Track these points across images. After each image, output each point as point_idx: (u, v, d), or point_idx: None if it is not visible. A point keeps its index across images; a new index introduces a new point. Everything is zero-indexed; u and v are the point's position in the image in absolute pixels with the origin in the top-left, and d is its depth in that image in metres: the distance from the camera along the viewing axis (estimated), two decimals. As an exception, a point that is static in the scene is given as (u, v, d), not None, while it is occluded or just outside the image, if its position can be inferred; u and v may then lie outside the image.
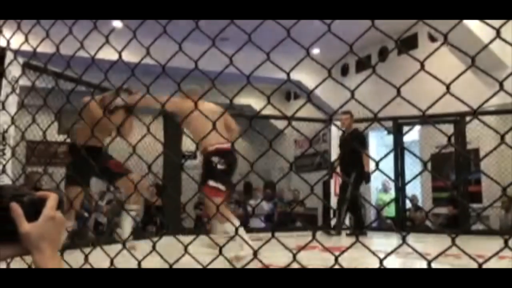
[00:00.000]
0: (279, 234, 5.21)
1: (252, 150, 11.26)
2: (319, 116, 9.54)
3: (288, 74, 1.05)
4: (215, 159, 3.21)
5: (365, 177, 5.78)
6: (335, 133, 7.15)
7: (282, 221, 9.01)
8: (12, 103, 3.73)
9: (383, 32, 0.96)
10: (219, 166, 3.21)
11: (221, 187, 3.23)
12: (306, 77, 9.73)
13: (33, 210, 0.82)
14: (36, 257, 0.81)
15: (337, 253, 1.08)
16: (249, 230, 6.33)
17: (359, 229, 5.77)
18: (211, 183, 3.22)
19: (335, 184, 7.07)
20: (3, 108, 1.95)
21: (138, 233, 4.86)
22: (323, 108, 9.78)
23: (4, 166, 1.30)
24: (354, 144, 5.80)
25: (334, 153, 7.13)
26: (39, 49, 1.41)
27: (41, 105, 1.45)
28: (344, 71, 10.90)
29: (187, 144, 7.19)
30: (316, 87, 1.13)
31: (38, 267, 0.81)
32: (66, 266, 0.88)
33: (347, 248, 1.12)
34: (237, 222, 3.08)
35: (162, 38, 1.30)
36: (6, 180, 3.74)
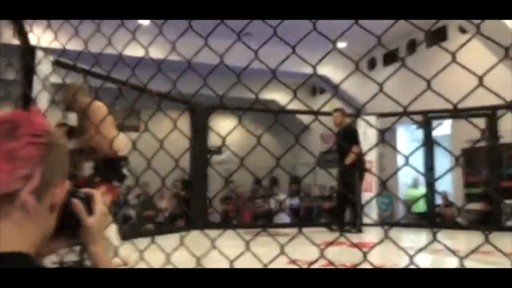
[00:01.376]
0: (305, 229, 5.20)
1: (277, 145, 11.25)
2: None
3: (314, 68, 1.03)
4: (123, 164, 3.44)
5: (346, 170, 5.45)
6: (362, 128, 7.06)
7: (308, 216, 8.98)
8: (43, 100, 3.83)
9: (413, 24, 0.94)
10: (124, 172, 3.48)
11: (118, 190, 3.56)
12: (332, 71, 9.62)
13: (88, 205, 0.88)
14: (93, 249, 0.87)
15: (365, 249, 1.06)
16: (274, 225, 6.31)
17: (355, 225, 5.48)
18: (116, 184, 3.45)
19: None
20: (35, 105, 1.99)
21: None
22: (351, 102, 9.67)
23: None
24: (346, 141, 5.53)
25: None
26: (67, 47, 1.44)
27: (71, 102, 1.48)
28: (371, 64, 10.73)
29: (213, 139, 7.22)
30: (346, 78, 1.11)
31: (95, 257, 0.87)
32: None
33: (375, 244, 1.10)
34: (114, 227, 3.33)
35: (186, 34, 1.30)
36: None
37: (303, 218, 8.86)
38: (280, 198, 8.94)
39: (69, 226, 0.85)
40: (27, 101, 3.36)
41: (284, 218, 8.66)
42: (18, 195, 0.68)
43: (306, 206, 9.30)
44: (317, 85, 12.19)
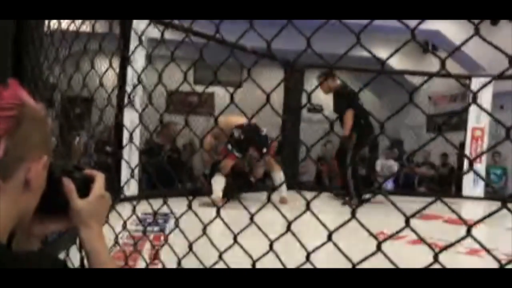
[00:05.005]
0: (403, 198, 4.93)
1: (380, 106, 10.73)
2: (460, 72, 8.63)
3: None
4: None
5: (344, 144, 4.83)
6: (475, 91, 6.41)
7: (407, 184, 8.54)
8: (140, 56, 3.97)
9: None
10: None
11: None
12: (446, 26, 8.74)
13: (83, 187, 0.83)
14: (84, 234, 0.82)
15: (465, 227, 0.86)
16: (369, 191, 6.02)
17: (357, 197, 4.81)
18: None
19: (470, 147, 6.45)
20: (130, 64, 2.04)
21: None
22: (465, 62, 8.79)
23: (140, 114, 1.38)
24: (339, 107, 4.89)
25: (473, 113, 6.46)
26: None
27: (171, 59, 1.42)
28: (494, 20, 9.55)
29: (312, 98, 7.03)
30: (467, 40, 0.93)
31: (86, 243, 0.82)
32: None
33: (481, 220, 0.89)
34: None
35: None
36: (138, 131, 4.03)
37: (402, 185, 8.46)
38: (388, 164, 8.51)
39: (56, 207, 0.81)
40: (123, 56, 3.51)
41: (387, 184, 8.32)
42: None
43: (405, 173, 8.85)
44: (429, 42, 11.20)
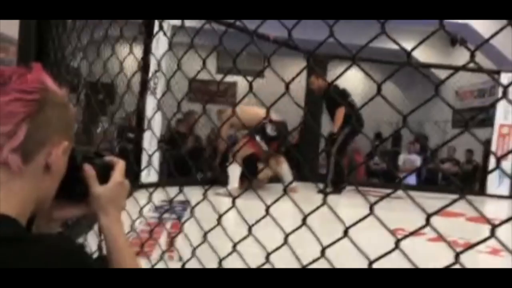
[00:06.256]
0: (426, 194, 4.84)
1: (405, 99, 10.54)
2: (488, 65, 8.39)
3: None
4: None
5: (333, 138, 5.03)
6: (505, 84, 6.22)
7: (431, 179, 8.41)
8: (162, 44, 3.98)
9: None
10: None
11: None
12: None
13: (104, 173, 0.83)
14: (103, 220, 0.83)
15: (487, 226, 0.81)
16: (389, 186, 5.96)
17: (332, 186, 5.00)
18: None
19: (497, 144, 6.29)
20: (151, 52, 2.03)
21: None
22: (495, 58, 8.52)
23: (158, 101, 1.38)
24: (332, 106, 5.15)
25: (501, 109, 6.27)
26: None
27: (190, 46, 1.41)
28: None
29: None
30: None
31: (105, 229, 0.83)
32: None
33: (506, 221, 0.84)
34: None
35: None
36: (157, 119, 4.05)
37: (424, 181, 8.33)
38: (411, 158, 8.39)
39: (76, 193, 0.81)
40: (146, 43, 3.51)
41: (409, 178, 8.22)
42: (0, 153, 0.65)
43: (429, 168, 8.71)
44: (458, 35, 10.90)
